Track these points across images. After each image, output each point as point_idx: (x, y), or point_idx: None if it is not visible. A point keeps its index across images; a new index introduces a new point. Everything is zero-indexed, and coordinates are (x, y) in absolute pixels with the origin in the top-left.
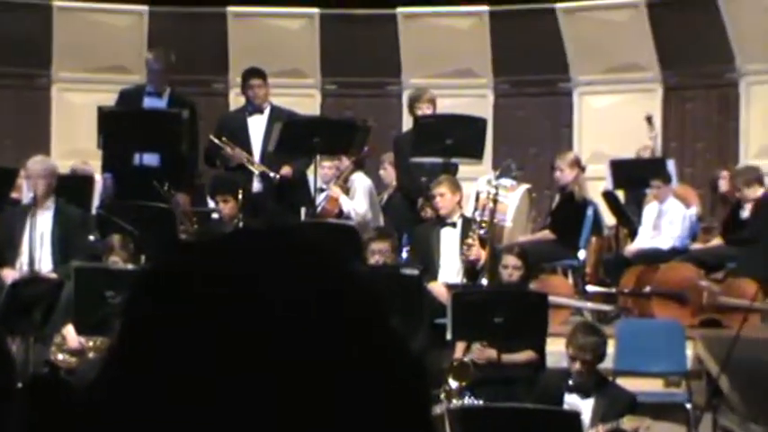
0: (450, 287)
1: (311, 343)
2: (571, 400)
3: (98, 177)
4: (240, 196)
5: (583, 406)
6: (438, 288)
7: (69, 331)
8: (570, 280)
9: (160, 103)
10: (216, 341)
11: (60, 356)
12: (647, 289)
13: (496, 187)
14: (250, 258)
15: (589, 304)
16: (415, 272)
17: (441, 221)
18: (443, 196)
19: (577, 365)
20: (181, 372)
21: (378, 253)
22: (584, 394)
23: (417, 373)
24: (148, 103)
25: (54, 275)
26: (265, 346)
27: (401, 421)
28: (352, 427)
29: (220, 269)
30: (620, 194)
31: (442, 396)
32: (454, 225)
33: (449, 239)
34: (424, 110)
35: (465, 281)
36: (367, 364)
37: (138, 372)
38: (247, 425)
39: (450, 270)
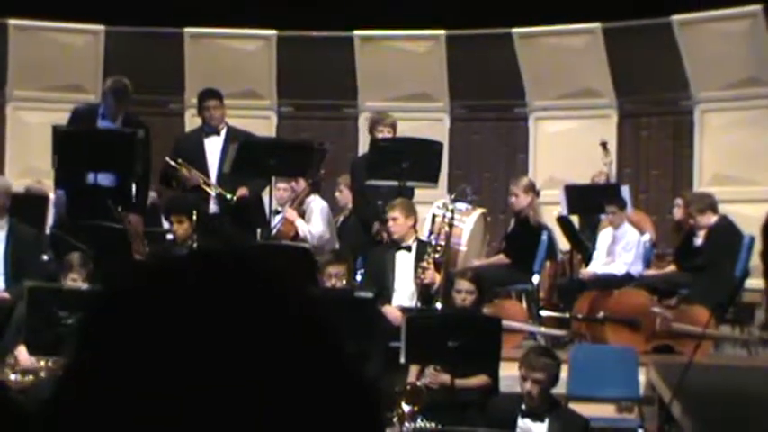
0: (404, 311)
1: (266, 365)
2: (524, 425)
3: (52, 196)
4: (195, 217)
5: (536, 430)
6: (392, 311)
7: (21, 351)
8: (524, 304)
9: (114, 126)
10: (177, 361)
11: (12, 377)
12: (601, 314)
13: (452, 211)
14: (205, 280)
15: (542, 329)
16: (370, 295)
17: (396, 245)
18: (396, 221)
19: (530, 387)
20: (147, 389)
21: (333, 276)
22: (538, 418)
23: (371, 396)
24: (102, 124)
25: (6, 295)
26: (224, 365)
27: None
28: None
29: (176, 290)
30: (575, 220)
31: (395, 419)
32: (409, 249)
33: (403, 263)
34: (385, 134)
35: (419, 304)
36: (321, 387)
37: (99, 390)
38: None
39: (404, 293)
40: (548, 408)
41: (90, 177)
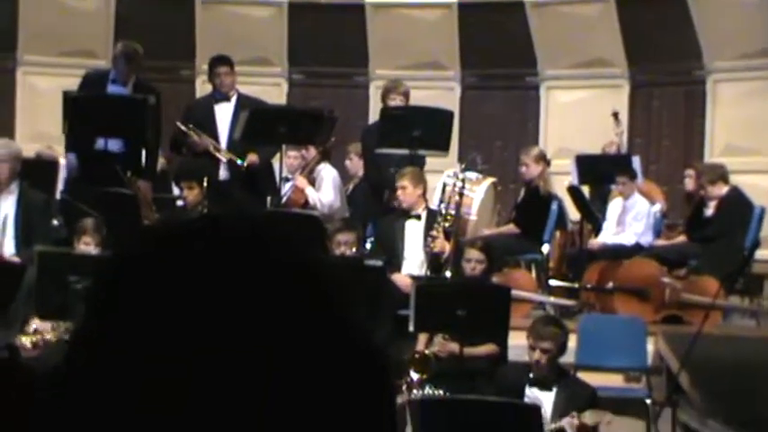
0: (413, 279)
1: (274, 331)
2: (532, 394)
3: (62, 161)
4: (205, 183)
5: (544, 399)
6: (402, 279)
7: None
8: (533, 274)
9: (124, 91)
10: (186, 325)
11: (25, 340)
12: (610, 284)
13: (462, 180)
14: (214, 245)
15: (551, 299)
16: (379, 263)
17: (405, 213)
18: (405, 189)
19: (537, 356)
20: (155, 353)
21: (343, 244)
22: (545, 387)
23: (380, 363)
24: (112, 89)
25: (17, 259)
26: (234, 331)
27: (364, 409)
28: (315, 414)
29: (184, 255)
30: (585, 190)
31: (403, 387)
32: (419, 217)
33: (413, 231)
34: (397, 102)
35: (429, 273)
36: (330, 354)
37: (108, 355)
38: (220, 405)
39: (414, 262)
40: (555, 377)
41: (100, 143)
